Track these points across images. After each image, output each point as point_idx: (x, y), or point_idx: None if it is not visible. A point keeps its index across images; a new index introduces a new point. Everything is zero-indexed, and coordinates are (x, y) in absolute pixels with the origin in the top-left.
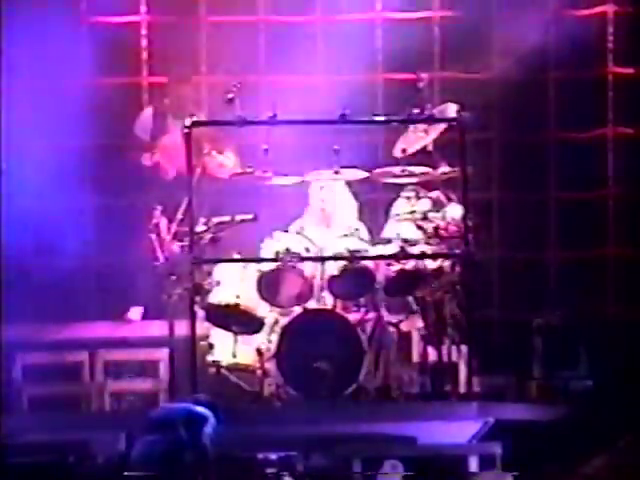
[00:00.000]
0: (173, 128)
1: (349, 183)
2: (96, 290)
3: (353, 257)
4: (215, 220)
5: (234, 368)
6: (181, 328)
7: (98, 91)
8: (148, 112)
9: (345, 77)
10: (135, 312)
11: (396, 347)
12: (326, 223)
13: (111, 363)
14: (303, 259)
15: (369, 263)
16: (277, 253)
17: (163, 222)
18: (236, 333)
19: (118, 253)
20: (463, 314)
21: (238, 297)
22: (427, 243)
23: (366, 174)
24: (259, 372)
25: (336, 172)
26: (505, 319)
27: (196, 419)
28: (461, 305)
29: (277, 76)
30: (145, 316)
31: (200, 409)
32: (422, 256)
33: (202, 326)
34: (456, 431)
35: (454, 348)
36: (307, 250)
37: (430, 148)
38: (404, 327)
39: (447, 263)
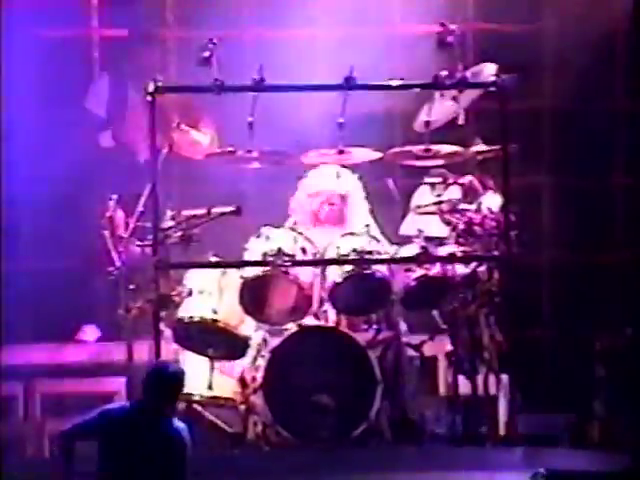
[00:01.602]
0: (135, 103)
1: (357, 165)
2: (33, 304)
3: (362, 260)
4: (186, 213)
5: (210, 403)
6: (142, 351)
7: (38, 46)
8: (103, 80)
9: (352, 30)
10: (90, 332)
11: (418, 376)
12: (327, 224)
13: (51, 397)
14: (298, 263)
15: (382, 268)
16: (265, 255)
17: (119, 215)
18: (213, 358)
19: (62, 256)
20: (503, 334)
21: (215, 312)
22: (457, 242)
23: (379, 154)
24: (242, 408)
25: (341, 152)
26: (558, 340)
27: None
28: (501, 322)
29: (265, 30)
30: (99, 337)
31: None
32: (451, 259)
33: (169, 349)
34: None
35: (492, 377)
36: (304, 251)
37: (461, 121)
38: (428, 350)
39: (483, 268)
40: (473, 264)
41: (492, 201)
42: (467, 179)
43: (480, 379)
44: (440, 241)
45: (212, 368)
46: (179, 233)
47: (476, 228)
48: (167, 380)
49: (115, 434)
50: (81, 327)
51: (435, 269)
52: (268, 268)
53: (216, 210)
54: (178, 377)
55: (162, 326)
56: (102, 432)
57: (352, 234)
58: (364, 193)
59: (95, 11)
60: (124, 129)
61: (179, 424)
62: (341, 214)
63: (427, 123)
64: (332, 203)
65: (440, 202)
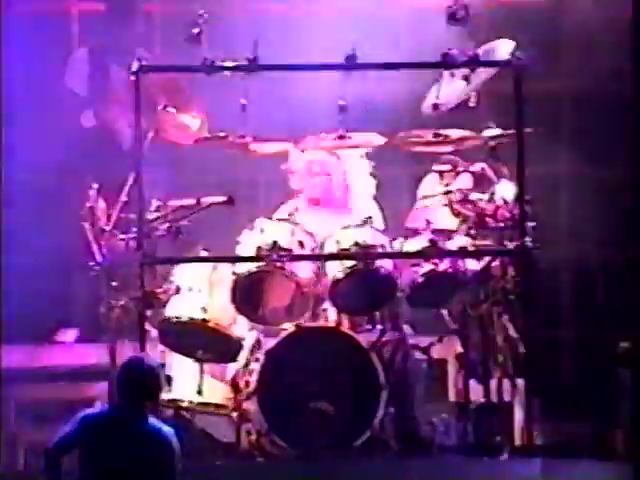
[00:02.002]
0: (117, 79)
1: (360, 152)
2: (6, 302)
3: (365, 255)
4: (173, 204)
5: (200, 409)
6: (126, 354)
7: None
8: (82, 54)
9: (354, 4)
10: (69, 333)
11: (426, 380)
12: (327, 208)
13: (27, 403)
14: (296, 257)
15: (387, 263)
16: (260, 249)
17: (101, 206)
18: (203, 361)
19: (38, 250)
20: (519, 335)
21: (205, 310)
22: (468, 235)
23: (383, 140)
24: (234, 415)
25: (342, 137)
26: (578, 342)
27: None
28: (516, 322)
29: (260, 3)
30: (78, 338)
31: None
32: (461, 253)
33: (155, 351)
34: None
35: (507, 382)
36: (301, 245)
37: (473, 103)
38: (437, 353)
39: (496, 263)
40: (486, 259)
41: (506, 190)
42: (479, 167)
43: (493, 384)
44: (450, 234)
45: (202, 372)
46: (166, 225)
47: (489, 220)
48: (144, 376)
49: (95, 441)
50: (59, 328)
51: (444, 264)
52: (263, 263)
53: (206, 200)
54: (156, 372)
55: (147, 326)
56: (83, 440)
57: (355, 226)
58: (370, 181)
59: None
60: (106, 108)
61: (165, 428)
62: (340, 187)
63: (436, 106)
64: (328, 173)
65: (450, 192)
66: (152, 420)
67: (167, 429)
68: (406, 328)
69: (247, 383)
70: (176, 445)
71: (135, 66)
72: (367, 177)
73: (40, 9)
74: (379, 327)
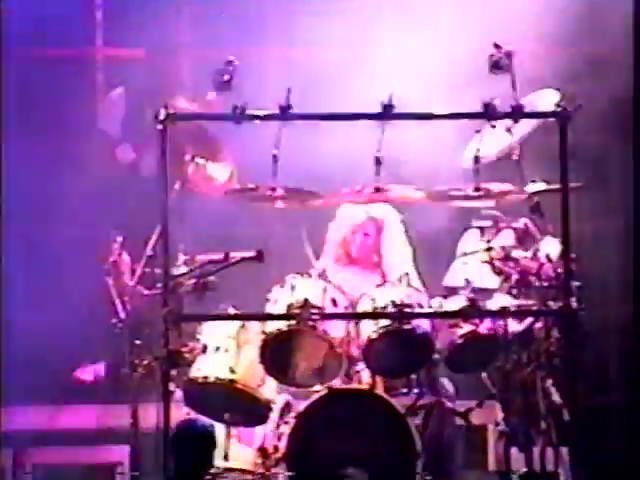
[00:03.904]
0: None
1: (397, 206)
2: (26, 361)
3: (401, 314)
4: (201, 258)
5: (226, 475)
6: (149, 416)
7: (36, 66)
8: (117, 95)
9: (390, 50)
10: (87, 370)
11: (464, 448)
12: (361, 264)
13: (45, 467)
14: (328, 316)
15: (424, 323)
16: (291, 307)
17: (125, 260)
18: (229, 424)
19: (58, 307)
20: (564, 400)
21: (233, 371)
22: (510, 294)
23: (421, 193)
24: None
25: (378, 190)
26: (628, 409)
27: None
28: (561, 387)
29: (292, 49)
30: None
31: None
32: (503, 313)
33: (180, 413)
34: None
35: (550, 451)
36: (334, 303)
37: (516, 155)
38: (476, 418)
39: (540, 324)
40: (528, 320)
41: (551, 248)
42: (522, 222)
43: (536, 452)
44: (490, 293)
45: (228, 436)
46: (193, 281)
47: (532, 278)
48: (201, 438)
49: None
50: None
51: (484, 325)
52: (293, 322)
53: (235, 255)
54: (211, 432)
55: (172, 387)
56: None
57: (390, 283)
58: (404, 232)
59: (99, 27)
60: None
61: None
62: (376, 249)
63: (477, 158)
64: (366, 234)
65: (491, 248)
66: None
67: None
68: (445, 390)
69: (276, 448)
70: None
71: (162, 114)
72: (400, 233)
73: (65, 54)
74: (415, 390)
